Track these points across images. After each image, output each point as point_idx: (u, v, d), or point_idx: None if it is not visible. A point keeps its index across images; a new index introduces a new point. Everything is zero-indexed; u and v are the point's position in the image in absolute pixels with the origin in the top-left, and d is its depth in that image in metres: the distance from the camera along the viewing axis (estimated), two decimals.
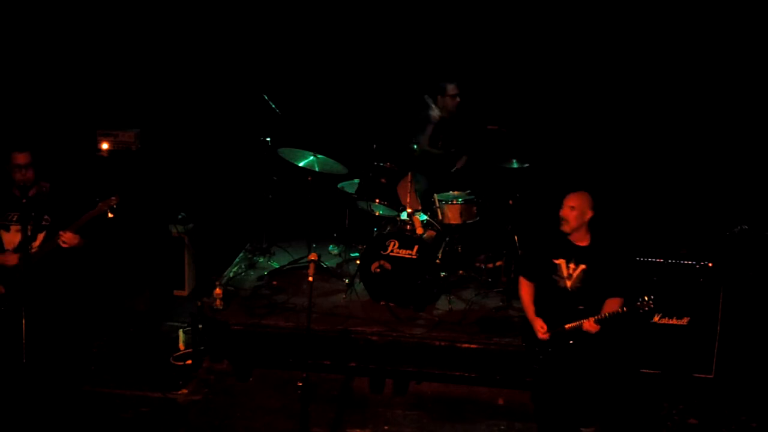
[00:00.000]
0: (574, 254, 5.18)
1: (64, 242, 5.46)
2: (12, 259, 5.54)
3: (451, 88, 7.36)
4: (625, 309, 5.00)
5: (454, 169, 7.56)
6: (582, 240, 5.20)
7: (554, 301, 5.20)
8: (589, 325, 5.03)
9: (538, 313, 5.23)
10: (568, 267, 5.17)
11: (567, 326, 5.10)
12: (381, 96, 8.09)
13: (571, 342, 5.12)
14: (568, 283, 5.17)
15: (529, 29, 7.95)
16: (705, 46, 7.66)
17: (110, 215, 5.47)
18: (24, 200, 5.42)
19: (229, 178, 8.26)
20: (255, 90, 7.51)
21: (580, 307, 5.12)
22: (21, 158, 5.54)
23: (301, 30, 8.17)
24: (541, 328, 5.15)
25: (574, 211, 5.12)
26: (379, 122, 7.73)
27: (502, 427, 5.91)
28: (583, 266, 5.15)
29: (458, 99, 7.38)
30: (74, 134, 7.82)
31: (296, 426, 5.22)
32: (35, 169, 5.59)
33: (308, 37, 8.17)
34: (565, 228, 5.15)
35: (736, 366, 6.28)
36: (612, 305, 5.10)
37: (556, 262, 5.19)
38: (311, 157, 7.12)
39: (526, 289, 5.33)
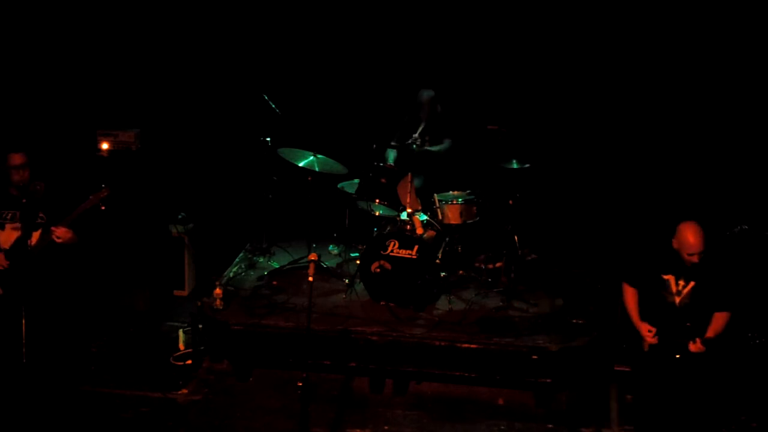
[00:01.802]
0: (684, 271, 5.10)
1: (57, 237, 5.49)
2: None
3: (424, 99, 7.33)
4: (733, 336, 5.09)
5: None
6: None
7: (661, 316, 5.15)
8: (696, 347, 5.03)
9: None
10: (677, 284, 5.11)
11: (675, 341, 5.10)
12: (381, 96, 8.09)
13: (677, 356, 5.09)
14: (677, 299, 5.12)
15: (529, 30, 7.94)
16: (704, 46, 7.66)
17: (102, 208, 5.48)
18: (24, 200, 5.43)
19: (229, 178, 8.26)
20: (255, 90, 7.51)
21: (687, 324, 5.10)
22: (17, 159, 5.58)
23: (301, 30, 8.17)
24: (648, 332, 5.11)
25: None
26: (379, 122, 7.72)
27: (502, 427, 5.90)
28: (692, 283, 5.10)
29: (428, 108, 7.31)
30: (74, 134, 7.83)
31: (296, 426, 5.22)
32: (32, 169, 5.60)
33: (308, 38, 8.17)
34: (696, 259, 5.04)
35: (736, 366, 6.27)
36: (720, 320, 5.10)
37: (665, 277, 5.12)
38: (311, 157, 7.11)
39: (631, 296, 5.27)
